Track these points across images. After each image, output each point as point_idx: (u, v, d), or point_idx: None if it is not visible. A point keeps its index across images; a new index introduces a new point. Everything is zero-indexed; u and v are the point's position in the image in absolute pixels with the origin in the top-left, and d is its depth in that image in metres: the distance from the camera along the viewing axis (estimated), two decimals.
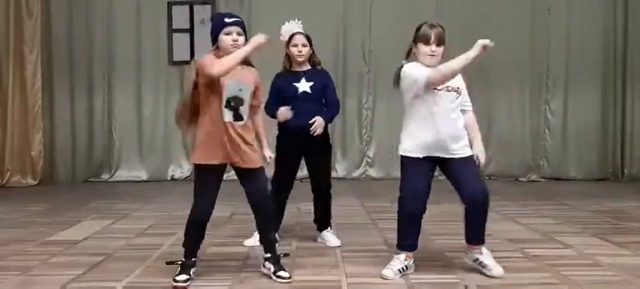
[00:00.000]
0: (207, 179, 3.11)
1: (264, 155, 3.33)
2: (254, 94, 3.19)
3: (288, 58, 3.92)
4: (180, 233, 4.29)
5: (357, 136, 7.87)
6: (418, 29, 3.19)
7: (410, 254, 3.28)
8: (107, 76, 7.82)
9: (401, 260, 3.26)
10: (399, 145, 3.25)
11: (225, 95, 3.04)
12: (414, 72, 3.12)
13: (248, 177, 3.15)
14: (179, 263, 3.17)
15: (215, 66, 2.98)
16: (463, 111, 3.27)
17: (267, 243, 3.24)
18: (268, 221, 3.26)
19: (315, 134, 3.80)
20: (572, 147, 7.82)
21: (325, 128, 3.92)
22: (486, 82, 7.55)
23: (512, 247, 3.92)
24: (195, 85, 3.10)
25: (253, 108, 3.23)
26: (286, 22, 3.96)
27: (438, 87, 3.11)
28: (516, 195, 6.33)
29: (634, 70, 7.70)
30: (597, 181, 7.61)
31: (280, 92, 3.89)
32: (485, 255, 3.26)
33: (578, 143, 7.80)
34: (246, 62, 3.13)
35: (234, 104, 3.06)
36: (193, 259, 3.18)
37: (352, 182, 7.50)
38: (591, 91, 7.79)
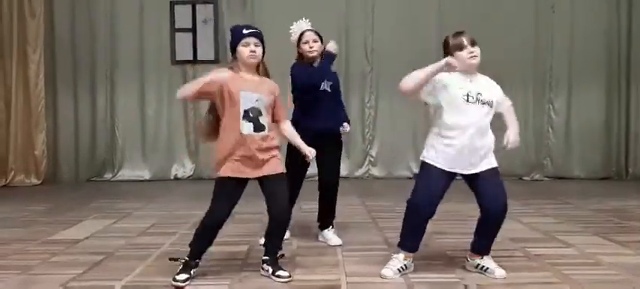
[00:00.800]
0: (229, 189, 3.10)
1: (305, 154, 3.30)
2: (274, 107, 3.20)
3: (301, 57, 3.88)
4: (182, 232, 4.35)
5: (359, 135, 7.86)
6: (446, 43, 3.15)
7: (410, 254, 3.27)
8: (110, 76, 7.85)
9: (400, 259, 3.24)
10: (423, 149, 3.20)
11: (242, 107, 3.05)
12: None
13: (268, 183, 3.14)
14: (182, 261, 3.17)
15: (183, 90, 3.11)
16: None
17: (270, 248, 3.23)
18: (279, 230, 3.24)
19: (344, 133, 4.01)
20: (575, 146, 7.80)
21: (337, 126, 3.98)
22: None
23: (514, 246, 3.90)
24: (212, 100, 3.14)
25: (277, 118, 3.25)
26: (294, 22, 3.95)
27: (469, 99, 3.05)
28: (519, 194, 6.30)
29: (638, 69, 7.68)
30: (601, 180, 7.59)
31: (306, 84, 3.82)
32: (485, 260, 3.25)
33: (581, 142, 7.78)
34: (263, 73, 3.18)
35: (252, 115, 3.07)
36: (197, 261, 3.17)
37: (354, 181, 7.49)
38: (595, 90, 7.77)
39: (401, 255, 3.25)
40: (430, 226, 3.47)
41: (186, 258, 3.16)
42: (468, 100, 3.06)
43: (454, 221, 4.58)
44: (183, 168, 7.91)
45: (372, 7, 7.74)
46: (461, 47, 3.09)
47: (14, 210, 5.53)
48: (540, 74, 7.78)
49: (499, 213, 3.14)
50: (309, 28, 3.90)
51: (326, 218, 4.06)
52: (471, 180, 3.16)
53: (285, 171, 3.21)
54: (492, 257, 3.30)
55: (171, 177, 7.85)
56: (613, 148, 7.80)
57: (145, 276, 3.28)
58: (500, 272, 3.18)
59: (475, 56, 3.09)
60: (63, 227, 4.65)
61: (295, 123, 3.91)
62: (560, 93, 7.81)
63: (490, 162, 3.16)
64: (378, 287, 3.09)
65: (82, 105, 7.79)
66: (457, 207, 4.66)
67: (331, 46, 3.85)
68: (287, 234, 4.10)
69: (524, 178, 7.68)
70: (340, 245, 3.91)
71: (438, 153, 3.11)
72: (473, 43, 3.10)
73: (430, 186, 3.13)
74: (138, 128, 7.90)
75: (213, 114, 3.18)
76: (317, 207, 4.09)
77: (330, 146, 3.91)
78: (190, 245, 3.19)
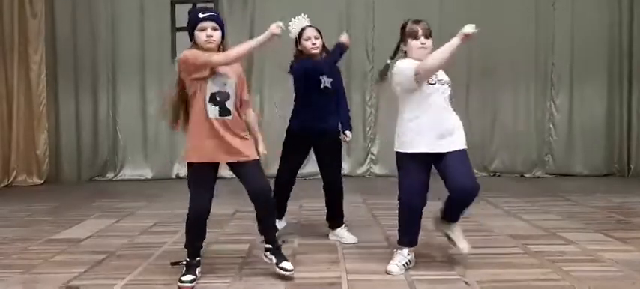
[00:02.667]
0: (201, 176, 3.07)
1: (258, 150, 3.21)
2: (241, 88, 3.13)
3: (301, 54, 3.86)
4: (184, 231, 4.35)
5: (361, 134, 7.86)
6: (403, 27, 3.22)
7: (412, 248, 3.29)
8: (111, 75, 7.85)
9: (404, 254, 3.27)
10: (395, 141, 3.25)
11: (209, 90, 2.99)
12: (404, 66, 3.15)
13: (243, 171, 3.09)
14: (183, 263, 3.16)
15: (218, 55, 2.94)
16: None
17: (268, 234, 3.20)
18: (268, 214, 3.19)
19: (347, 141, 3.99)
20: (577, 143, 7.79)
21: (336, 124, 3.95)
22: (491, 78, 7.54)
23: (514, 243, 3.90)
24: (182, 84, 3.06)
25: (242, 104, 3.17)
26: (292, 19, 3.91)
27: (430, 81, 3.11)
28: (521, 191, 6.31)
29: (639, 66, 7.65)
30: (603, 177, 7.58)
31: (308, 76, 3.80)
32: (454, 229, 3.29)
33: (583, 139, 7.77)
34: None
35: (219, 99, 3.00)
36: (198, 258, 3.16)
37: (356, 179, 7.49)
38: (596, 87, 7.75)
39: (405, 250, 3.28)
40: (430, 223, 3.49)
41: (187, 259, 3.15)
42: (428, 82, 3.12)
43: None
44: (185, 167, 7.89)
45: (372, 6, 7.73)
46: (415, 36, 3.16)
47: (17, 209, 5.55)
48: (542, 71, 7.77)
49: (465, 196, 3.15)
50: (309, 24, 3.88)
51: (335, 217, 4.05)
52: (440, 163, 3.16)
53: (257, 157, 3.12)
54: (492, 254, 3.31)
55: (173, 177, 7.86)
56: (615, 145, 7.78)
57: (147, 275, 3.29)
58: (463, 245, 3.25)
59: (425, 49, 3.15)
60: (65, 226, 4.67)
61: (295, 119, 3.93)
62: (562, 90, 7.79)
63: (459, 144, 3.18)
64: (378, 283, 3.09)
65: (84, 105, 7.80)
66: None
67: (345, 38, 3.83)
68: (283, 224, 4.09)
69: (526, 175, 7.67)
70: (356, 243, 3.91)
71: (409, 140, 3.16)
72: (427, 36, 3.16)
73: (411, 177, 3.19)
74: (139, 127, 7.91)
75: (182, 99, 3.09)
76: (319, 205, 4.10)
77: (329, 145, 3.91)
78: (185, 245, 3.18)
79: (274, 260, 3.15)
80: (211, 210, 3.15)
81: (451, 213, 3.28)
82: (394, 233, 3.39)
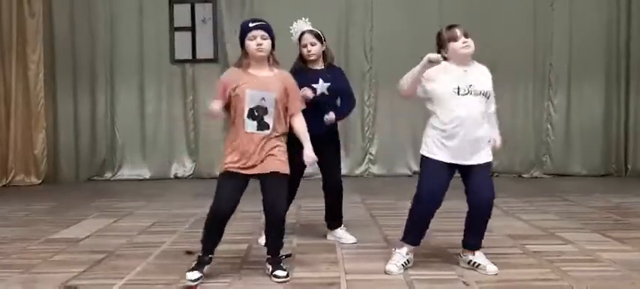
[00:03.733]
0: (228, 185, 3.10)
1: (307, 154, 3.22)
2: (287, 98, 3.17)
3: (302, 57, 3.84)
4: (182, 231, 4.36)
5: (359, 134, 7.86)
6: (439, 35, 3.21)
7: (412, 248, 3.29)
8: (109, 75, 7.84)
9: (403, 254, 3.27)
10: (422, 143, 3.24)
11: (247, 105, 3.06)
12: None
13: (266, 183, 3.13)
14: (198, 254, 3.17)
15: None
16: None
17: (271, 247, 3.24)
18: (276, 230, 3.22)
19: (326, 124, 3.75)
20: (575, 143, 7.80)
21: (335, 125, 3.90)
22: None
23: (512, 243, 3.91)
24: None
25: (289, 115, 3.20)
26: (294, 22, 3.90)
27: (461, 91, 3.08)
28: (519, 192, 6.31)
29: (637, 66, 7.66)
30: (600, 177, 7.59)
31: (301, 86, 3.74)
32: (477, 255, 3.25)
33: (581, 139, 7.78)
34: (274, 63, 3.17)
35: (257, 113, 3.07)
36: (210, 256, 3.16)
37: (354, 179, 7.49)
38: (594, 87, 7.76)
39: (404, 250, 3.28)
40: (431, 223, 3.49)
41: (200, 254, 3.17)
42: (459, 93, 3.09)
43: (454, 218, 4.54)
44: (184, 167, 7.91)
45: (371, 6, 7.74)
46: (454, 38, 3.14)
47: (15, 209, 5.54)
48: (540, 71, 7.78)
49: (484, 208, 3.17)
50: (309, 28, 3.84)
51: (334, 219, 4.05)
52: (465, 172, 3.19)
53: (287, 172, 3.16)
54: (490, 254, 3.31)
55: (172, 176, 7.86)
56: (612, 145, 7.80)
57: (146, 275, 3.29)
58: (491, 269, 3.18)
59: (468, 46, 3.13)
60: (63, 226, 4.66)
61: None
62: (560, 90, 7.80)
63: (486, 156, 3.19)
64: (377, 283, 3.10)
65: (82, 105, 7.78)
66: (457, 204, 4.62)
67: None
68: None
69: (524, 175, 7.68)
70: (355, 243, 3.91)
71: (436, 147, 3.15)
72: (466, 35, 3.15)
73: (432, 179, 3.17)
74: (138, 127, 7.90)
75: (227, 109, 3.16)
76: (318, 205, 4.10)
77: (329, 148, 3.89)
78: (201, 241, 3.19)
79: (270, 270, 3.17)
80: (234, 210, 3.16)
81: (474, 235, 3.26)
82: (393, 233, 3.41)
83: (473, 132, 3.10)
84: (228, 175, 3.11)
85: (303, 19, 3.89)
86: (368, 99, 7.87)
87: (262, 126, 3.09)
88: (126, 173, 7.88)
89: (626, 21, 7.65)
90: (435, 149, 3.15)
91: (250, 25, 3.13)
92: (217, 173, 3.24)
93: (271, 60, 3.18)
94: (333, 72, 3.88)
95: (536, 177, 7.65)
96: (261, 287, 3.07)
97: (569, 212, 5.08)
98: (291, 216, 4.63)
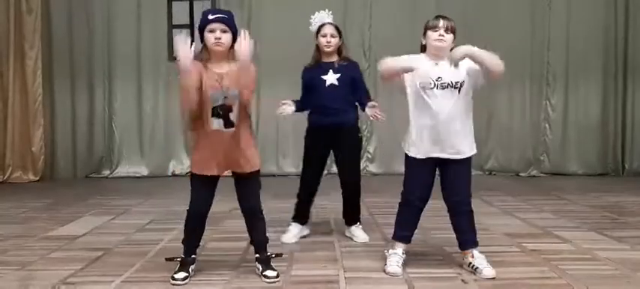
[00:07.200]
0: (200, 185, 3.08)
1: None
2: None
3: (318, 49, 3.88)
4: (180, 228, 4.34)
5: None
6: (427, 22, 3.19)
7: (404, 245, 3.29)
8: (107, 72, 7.83)
9: (399, 253, 3.26)
10: (403, 140, 3.25)
11: (211, 105, 2.95)
12: None
13: (240, 182, 3.12)
14: (178, 260, 3.16)
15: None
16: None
17: (257, 245, 3.21)
18: (257, 226, 3.20)
19: (378, 119, 3.76)
20: (572, 142, 7.82)
21: (355, 122, 3.91)
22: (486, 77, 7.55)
23: (510, 242, 3.92)
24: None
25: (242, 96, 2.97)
26: (317, 12, 3.92)
27: (429, 85, 3.05)
28: (516, 190, 6.33)
29: (635, 65, 7.69)
30: (598, 176, 7.61)
31: (308, 85, 3.88)
32: (477, 258, 3.19)
33: (578, 138, 7.80)
34: (232, 58, 2.94)
35: (222, 112, 2.96)
36: (193, 256, 3.16)
37: None
38: (592, 86, 7.78)
39: (399, 249, 3.27)
40: (428, 222, 3.50)
41: (182, 256, 3.15)
42: (432, 88, 3.06)
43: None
44: (181, 164, 7.90)
45: (369, 5, 7.73)
46: (434, 28, 3.11)
47: (12, 206, 5.53)
48: (537, 70, 7.79)
49: (457, 206, 3.18)
50: (330, 21, 3.88)
51: (351, 215, 4.04)
52: (443, 167, 3.18)
53: (257, 167, 3.10)
54: (488, 252, 3.31)
55: (169, 174, 7.85)
56: (610, 144, 7.81)
57: (144, 272, 3.29)
58: (488, 272, 3.09)
59: (442, 40, 3.08)
60: (61, 223, 4.66)
61: (311, 115, 3.92)
62: (557, 89, 7.82)
63: (463, 153, 3.14)
64: (376, 281, 3.10)
65: (80, 102, 7.77)
66: None
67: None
68: (306, 231, 4.05)
69: (521, 174, 7.70)
70: (367, 241, 3.91)
71: (414, 143, 3.16)
72: (448, 30, 3.10)
73: (415, 176, 3.20)
74: (135, 124, 7.89)
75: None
76: (320, 202, 4.11)
77: (344, 143, 3.87)
78: (182, 242, 3.19)
79: (260, 269, 3.14)
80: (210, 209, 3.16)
81: (462, 233, 3.23)
82: (392, 232, 3.39)
83: (448, 125, 3.07)
84: (199, 176, 3.05)
85: (326, 11, 3.92)
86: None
87: (228, 124, 2.98)
88: (123, 170, 7.87)
89: (624, 21, 7.66)
90: (410, 144, 3.18)
91: (210, 17, 2.92)
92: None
93: (231, 55, 2.93)
94: (346, 66, 3.88)
95: (533, 176, 7.66)
96: (258, 284, 3.06)
97: (566, 210, 5.09)
98: (290, 214, 4.63)
